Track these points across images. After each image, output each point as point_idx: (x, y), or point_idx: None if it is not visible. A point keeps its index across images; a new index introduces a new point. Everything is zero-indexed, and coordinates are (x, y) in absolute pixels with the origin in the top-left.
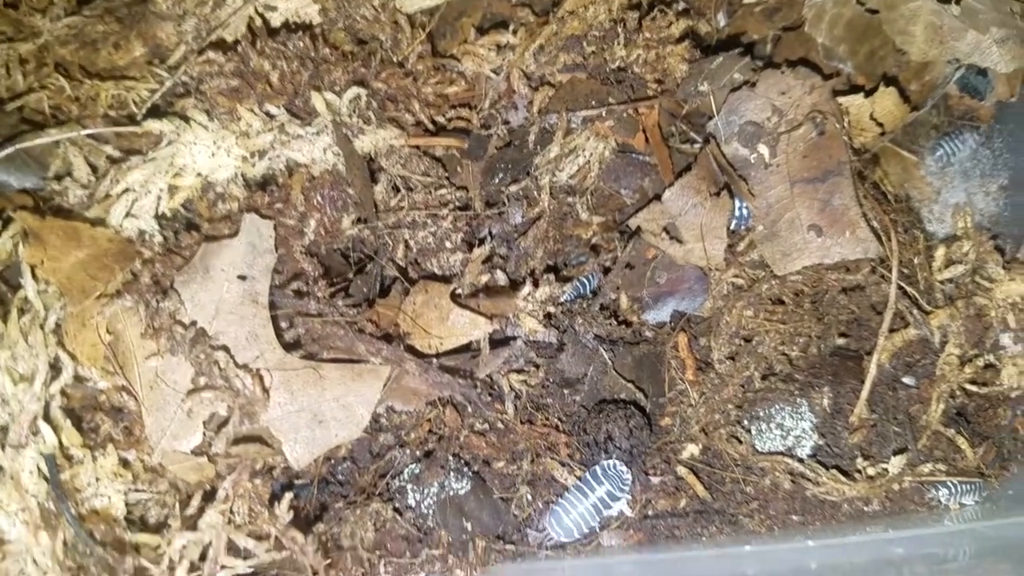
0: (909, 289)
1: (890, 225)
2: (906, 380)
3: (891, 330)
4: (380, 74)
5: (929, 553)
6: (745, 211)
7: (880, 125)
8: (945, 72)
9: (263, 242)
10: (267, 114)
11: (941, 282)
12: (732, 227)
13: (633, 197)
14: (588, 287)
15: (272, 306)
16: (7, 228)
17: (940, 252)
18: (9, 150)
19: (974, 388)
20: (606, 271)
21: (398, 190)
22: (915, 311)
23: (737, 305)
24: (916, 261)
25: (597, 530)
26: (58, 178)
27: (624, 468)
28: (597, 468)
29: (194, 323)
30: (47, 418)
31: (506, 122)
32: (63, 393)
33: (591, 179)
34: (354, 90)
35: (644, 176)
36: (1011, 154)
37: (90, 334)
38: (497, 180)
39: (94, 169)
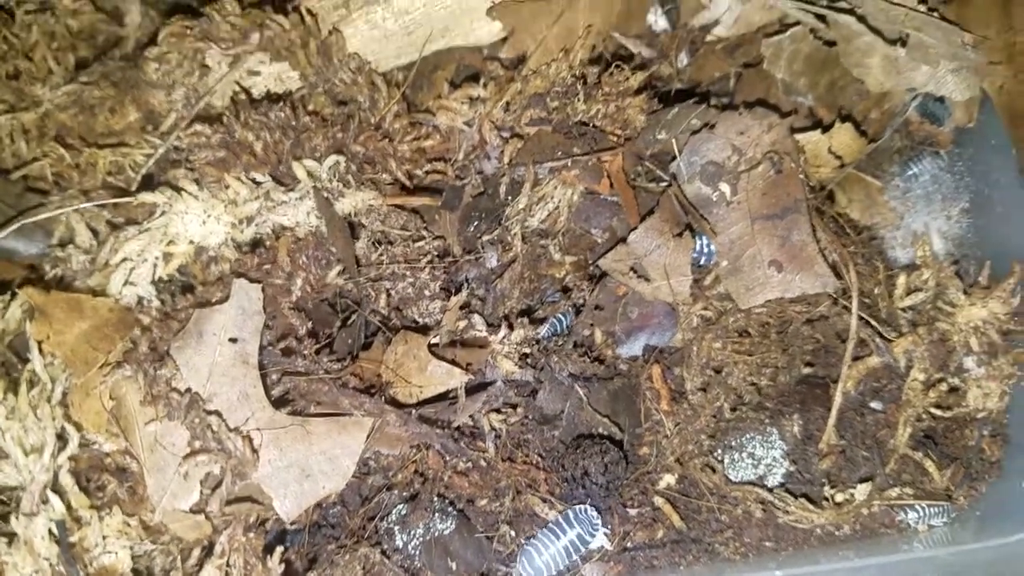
0: (871, 319)
1: (849, 258)
2: (873, 405)
3: (855, 358)
4: (359, 137)
5: None
6: (711, 248)
7: (839, 158)
8: (904, 99)
9: (252, 305)
10: (253, 181)
11: (903, 309)
12: (701, 263)
13: (603, 236)
14: (563, 324)
15: (261, 365)
16: (15, 298)
17: (901, 280)
18: (17, 225)
19: (939, 412)
20: (578, 310)
21: (378, 245)
22: (878, 339)
23: (706, 337)
24: (877, 291)
25: (567, 571)
26: (62, 245)
27: (595, 514)
28: (570, 512)
29: (189, 390)
30: (55, 487)
31: (480, 171)
32: (71, 458)
33: (561, 222)
34: (333, 158)
35: (613, 216)
36: (972, 177)
37: (94, 403)
38: (473, 228)
39: (95, 233)
